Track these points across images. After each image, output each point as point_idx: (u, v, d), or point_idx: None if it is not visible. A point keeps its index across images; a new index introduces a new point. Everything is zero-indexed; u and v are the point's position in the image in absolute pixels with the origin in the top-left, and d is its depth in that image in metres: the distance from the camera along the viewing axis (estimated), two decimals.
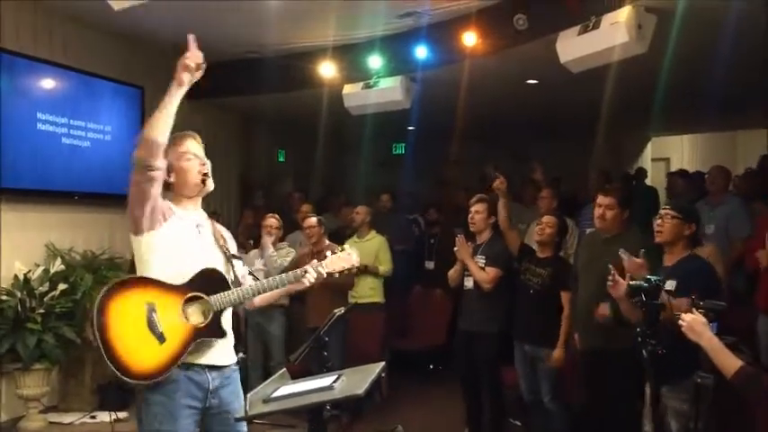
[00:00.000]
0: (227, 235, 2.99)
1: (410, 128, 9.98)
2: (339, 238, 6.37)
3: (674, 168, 12.05)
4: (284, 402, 2.51)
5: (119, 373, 2.55)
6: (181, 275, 2.70)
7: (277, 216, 5.92)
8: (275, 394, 2.55)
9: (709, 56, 5.76)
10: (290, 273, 2.92)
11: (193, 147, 2.84)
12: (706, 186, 6.16)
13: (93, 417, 5.81)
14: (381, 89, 6.48)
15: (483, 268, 4.90)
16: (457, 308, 5.43)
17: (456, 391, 5.31)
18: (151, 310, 2.62)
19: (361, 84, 6.60)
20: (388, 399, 6.16)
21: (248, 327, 5.68)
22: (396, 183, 9.72)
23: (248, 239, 6.43)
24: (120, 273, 6.02)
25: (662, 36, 4.87)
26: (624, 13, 4.60)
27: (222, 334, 2.76)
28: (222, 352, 2.78)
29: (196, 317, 2.70)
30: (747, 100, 8.13)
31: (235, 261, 2.88)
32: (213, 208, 7.94)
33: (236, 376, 2.86)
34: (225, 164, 8.43)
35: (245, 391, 2.75)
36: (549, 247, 4.76)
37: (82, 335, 5.73)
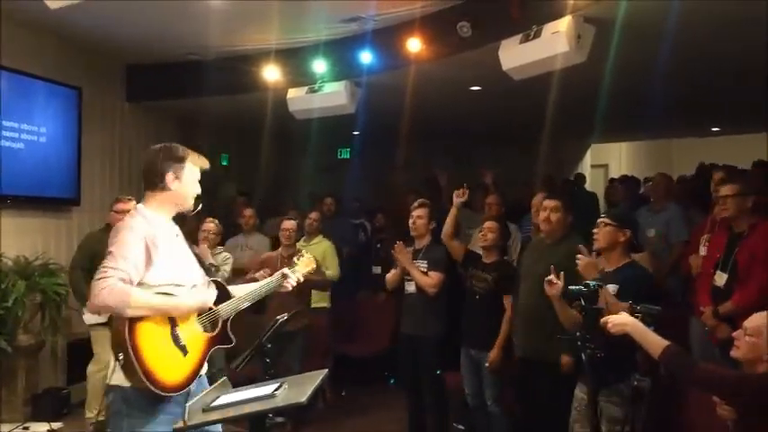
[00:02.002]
0: None
1: (355, 132, 9.98)
2: None
3: (612, 175, 12.40)
4: (225, 411, 2.47)
5: (154, 388, 2.59)
6: (180, 287, 2.76)
7: (216, 221, 5.84)
8: (215, 403, 2.51)
9: (646, 66, 5.94)
10: (274, 278, 3.13)
11: (199, 172, 2.91)
12: (643, 192, 6.34)
13: (26, 428, 5.60)
14: (326, 93, 6.46)
15: (426, 273, 4.93)
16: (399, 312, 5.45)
17: (399, 396, 5.32)
18: (173, 324, 2.71)
19: (306, 88, 6.57)
20: (332, 405, 6.13)
21: None
22: (341, 187, 9.71)
23: (191, 244, 6.32)
24: (54, 279, 5.84)
25: (601, 46, 4.99)
26: (564, 23, 4.69)
27: (231, 341, 2.93)
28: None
29: (208, 327, 2.84)
30: (682, 108, 8.40)
31: (212, 267, 3.01)
32: None
33: (204, 379, 2.95)
34: None
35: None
36: (494, 251, 4.81)
37: (13, 343, 5.54)
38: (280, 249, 5.74)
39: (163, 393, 2.61)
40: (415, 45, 5.70)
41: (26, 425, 5.63)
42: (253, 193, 9.06)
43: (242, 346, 4.52)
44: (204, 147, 10.82)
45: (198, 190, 2.89)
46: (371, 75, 6.29)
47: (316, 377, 2.62)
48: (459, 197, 4.97)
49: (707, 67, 6.32)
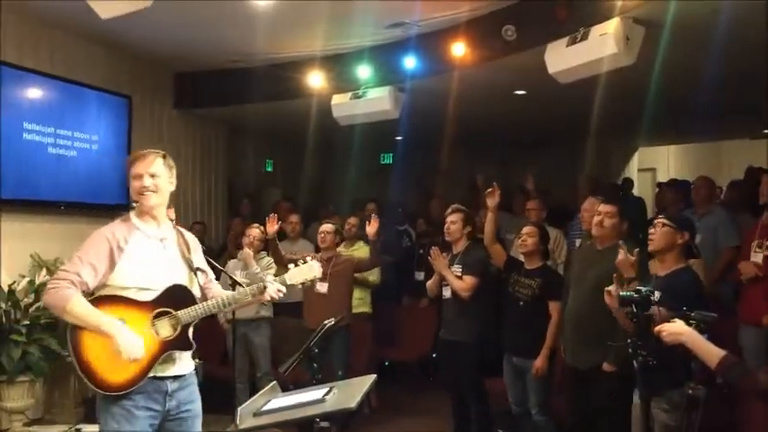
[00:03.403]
0: (194, 245, 3.10)
1: (398, 138, 9.98)
2: None
3: (660, 178, 12.15)
4: (275, 416, 2.49)
5: (93, 386, 2.76)
6: (148, 291, 2.84)
7: (261, 227, 5.87)
8: (266, 407, 2.53)
9: (696, 67, 5.81)
10: (253, 287, 3.03)
11: (139, 167, 2.94)
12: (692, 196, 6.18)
13: (79, 429, 5.71)
14: (370, 99, 6.48)
15: (460, 277, 4.90)
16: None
17: (444, 402, 5.29)
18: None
19: (350, 94, 6.60)
20: (376, 409, 6.13)
21: (235, 338, 5.64)
22: (384, 193, 9.71)
23: (237, 248, 6.40)
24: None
25: (650, 47, 4.90)
26: (612, 25, 4.63)
27: (190, 346, 2.92)
28: (183, 362, 2.93)
29: (166, 330, 2.84)
30: (732, 110, 8.20)
31: (199, 273, 3.00)
32: (200, 218, 7.91)
33: (194, 379, 3.00)
34: (212, 173, 8.41)
35: (233, 403, 2.74)
36: (536, 257, 4.75)
37: (66, 346, 5.66)
38: (320, 253, 5.76)
39: (101, 392, 2.75)
40: (459, 49, 5.68)
41: (78, 426, 5.75)
42: (296, 199, 9.13)
43: (286, 350, 4.58)
44: (249, 152, 11.02)
45: (134, 185, 2.93)
46: (415, 80, 6.30)
47: (364, 382, 2.62)
48: (491, 197, 4.90)
49: (758, 66, 6.15)
